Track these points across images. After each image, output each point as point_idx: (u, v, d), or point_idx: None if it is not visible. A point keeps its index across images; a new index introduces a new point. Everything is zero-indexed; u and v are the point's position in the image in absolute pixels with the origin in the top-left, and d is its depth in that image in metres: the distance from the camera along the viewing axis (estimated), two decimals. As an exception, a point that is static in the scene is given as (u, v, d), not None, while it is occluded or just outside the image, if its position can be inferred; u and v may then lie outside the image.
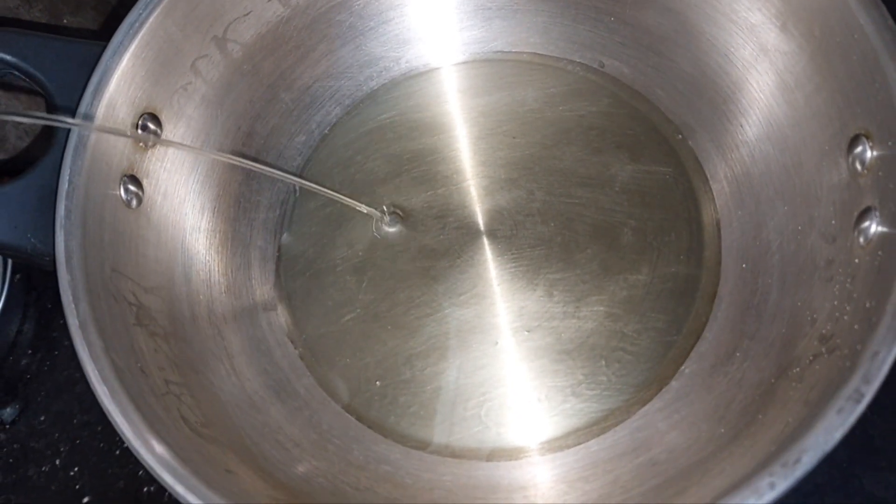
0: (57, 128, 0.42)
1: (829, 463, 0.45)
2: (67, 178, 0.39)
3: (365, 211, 0.49)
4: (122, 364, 0.37)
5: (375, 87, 0.54)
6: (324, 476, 0.42)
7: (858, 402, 0.31)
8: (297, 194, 0.52)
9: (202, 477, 0.34)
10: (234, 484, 0.36)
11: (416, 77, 0.54)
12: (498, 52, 0.54)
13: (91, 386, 0.35)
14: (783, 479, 0.30)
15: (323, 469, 0.42)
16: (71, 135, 0.40)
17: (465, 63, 0.54)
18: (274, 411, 0.44)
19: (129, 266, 0.42)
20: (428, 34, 0.53)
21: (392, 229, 0.49)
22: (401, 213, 0.49)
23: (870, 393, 0.31)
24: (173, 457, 0.34)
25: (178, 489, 0.33)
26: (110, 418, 0.35)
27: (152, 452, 0.34)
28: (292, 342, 0.48)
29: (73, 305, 0.37)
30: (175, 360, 0.41)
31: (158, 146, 0.44)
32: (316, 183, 0.49)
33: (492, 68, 0.53)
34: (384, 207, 0.50)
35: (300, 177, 0.52)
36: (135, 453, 0.34)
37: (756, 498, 0.30)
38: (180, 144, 0.44)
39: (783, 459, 0.30)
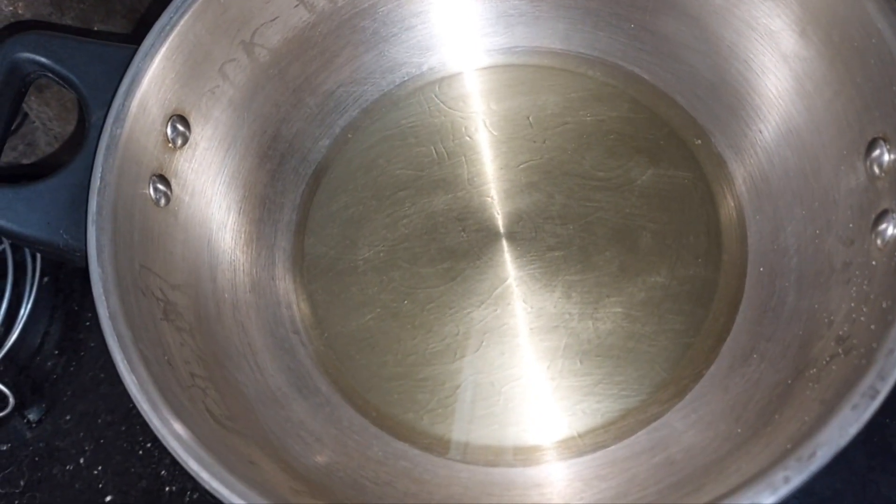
0: (89, 130, 0.43)
1: (848, 468, 0.45)
2: (99, 175, 0.40)
3: None
4: (149, 356, 0.37)
5: (398, 92, 0.54)
6: (344, 470, 0.42)
7: (874, 398, 0.31)
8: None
9: (227, 466, 0.34)
10: (257, 474, 0.37)
11: (439, 82, 0.54)
12: (520, 57, 0.54)
13: (120, 375, 0.36)
14: (798, 473, 0.30)
15: (343, 463, 0.43)
16: (103, 135, 0.42)
17: (486, 68, 0.54)
18: (296, 406, 0.45)
19: (157, 263, 0.43)
20: (450, 40, 0.54)
21: None
22: None
23: (885, 389, 0.31)
24: (199, 445, 0.34)
25: (204, 475, 0.33)
26: (138, 406, 0.35)
27: (179, 440, 0.34)
28: (314, 340, 0.48)
29: (103, 298, 0.38)
30: (200, 355, 0.42)
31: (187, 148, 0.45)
32: (339, 187, 0.49)
33: (513, 74, 0.54)
34: None
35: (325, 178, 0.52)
36: (162, 440, 0.35)
37: (771, 492, 0.30)
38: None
39: (798, 454, 0.31)
